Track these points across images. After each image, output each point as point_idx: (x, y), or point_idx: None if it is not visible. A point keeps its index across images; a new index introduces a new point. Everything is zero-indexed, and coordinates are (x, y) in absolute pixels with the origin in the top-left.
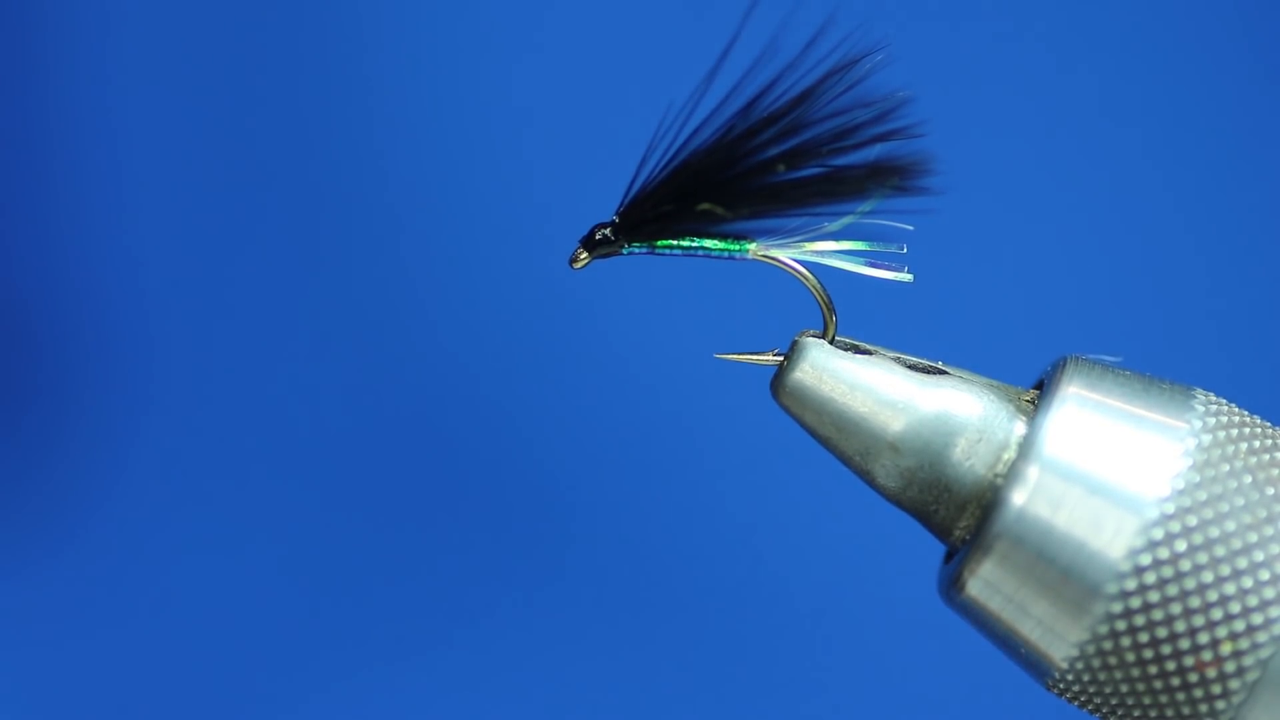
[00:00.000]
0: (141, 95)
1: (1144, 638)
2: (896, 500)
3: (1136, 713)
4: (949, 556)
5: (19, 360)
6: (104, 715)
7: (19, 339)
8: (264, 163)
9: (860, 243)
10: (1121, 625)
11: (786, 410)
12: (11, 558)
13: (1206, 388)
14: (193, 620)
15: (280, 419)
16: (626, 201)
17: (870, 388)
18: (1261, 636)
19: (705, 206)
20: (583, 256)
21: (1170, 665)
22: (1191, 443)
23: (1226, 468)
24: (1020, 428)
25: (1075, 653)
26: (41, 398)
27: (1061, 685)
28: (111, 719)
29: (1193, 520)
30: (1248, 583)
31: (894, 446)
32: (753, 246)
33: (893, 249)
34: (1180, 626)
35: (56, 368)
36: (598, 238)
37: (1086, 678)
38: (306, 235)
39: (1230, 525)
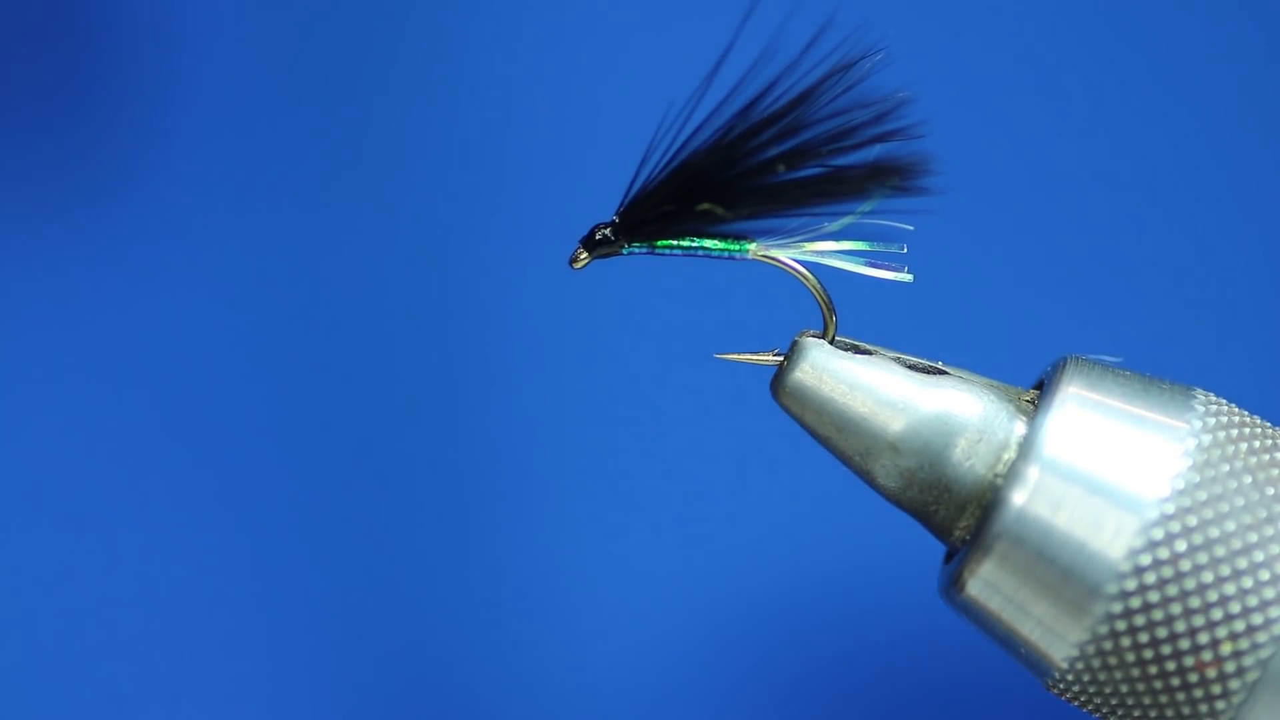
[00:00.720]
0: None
1: (1144, 638)
2: (896, 500)
3: (1136, 713)
4: (949, 556)
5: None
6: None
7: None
8: (267, 162)
9: (860, 243)
10: (1122, 625)
11: (787, 410)
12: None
13: (1206, 388)
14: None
15: (277, 418)
16: (626, 201)
17: (870, 388)
18: (1261, 636)
19: (705, 206)
20: (583, 256)
21: (1170, 665)
22: (1191, 443)
23: (1226, 468)
24: (1020, 428)
25: (1075, 653)
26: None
27: (1061, 685)
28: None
29: (1193, 520)
30: (1248, 583)
31: (894, 446)
32: (753, 246)
33: (893, 249)
34: (1180, 626)
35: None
36: (598, 238)
37: (1086, 678)
38: (307, 237)
39: (1230, 525)
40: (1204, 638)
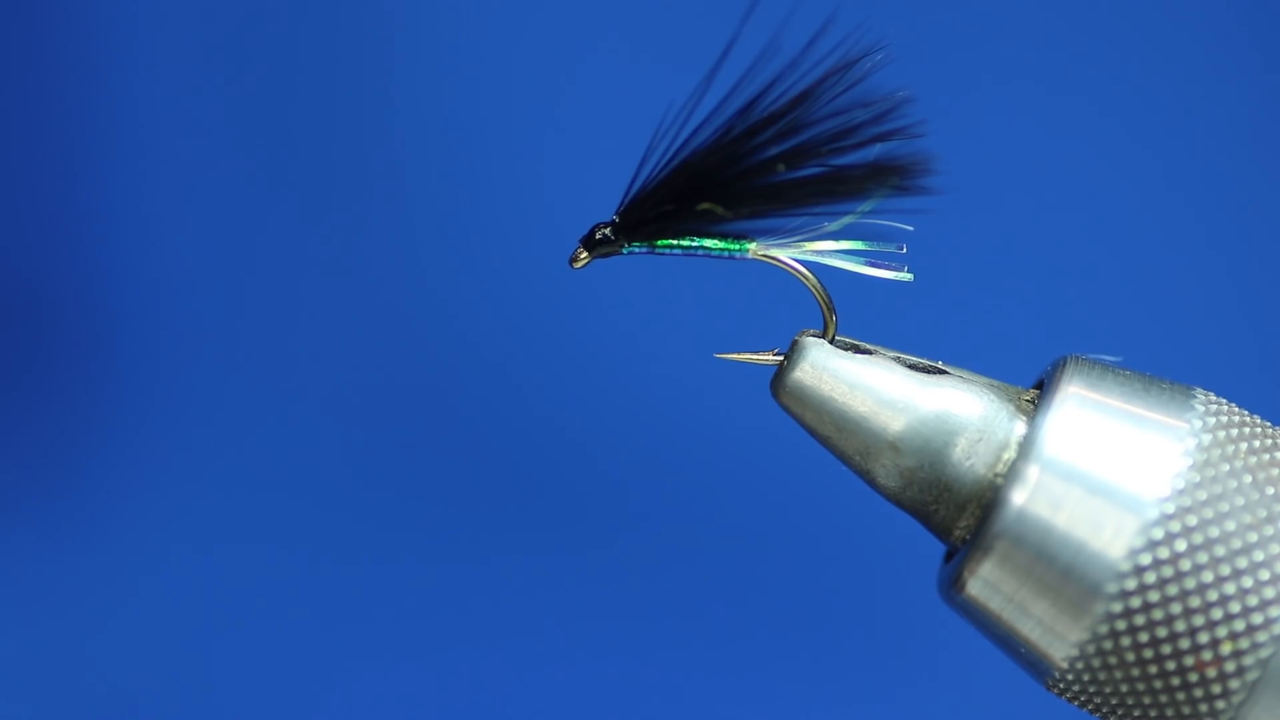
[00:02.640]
0: (156, 91)
1: (1144, 637)
2: (896, 500)
3: (1136, 713)
4: (949, 556)
5: (28, 348)
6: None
7: (29, 327)
8: (270, 162)
9: (860, 243)
10: (1121, 625)
11: (786, 410)
12: (19, 548)
13: (1206, 388)
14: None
15: (286, 420)
16: (626, 201)
17: (870, 387)
18: (1262, 636)
19: (705, 206)
20: (583, 256)
21: (1170, 665)
22: (1192, 442)
23: (1226, 467)
24: (1020, 427)
25: (1075, 653)
26: (50, 391)
27: (1061, 685)
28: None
29: (1193, 520)
30: (1248, 582)
31: (894, 446)
32: (753, 246)
33: (893, 249)
34: (1180, 626)
35: (63, 361)
36: (598, 237)
37: (1086, 677)
38: (306, 236)
39: (1230, 525)
40: (1204, 637)
